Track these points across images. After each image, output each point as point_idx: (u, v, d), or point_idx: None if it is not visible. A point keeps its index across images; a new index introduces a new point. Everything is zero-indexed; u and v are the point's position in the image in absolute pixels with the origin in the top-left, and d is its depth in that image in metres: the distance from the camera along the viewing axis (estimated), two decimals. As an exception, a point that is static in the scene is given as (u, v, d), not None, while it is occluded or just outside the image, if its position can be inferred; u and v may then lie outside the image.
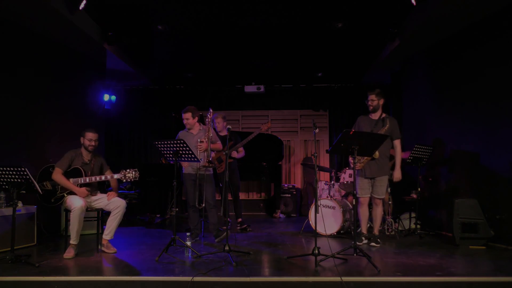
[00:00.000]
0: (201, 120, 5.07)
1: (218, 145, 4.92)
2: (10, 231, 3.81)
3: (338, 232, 5.19)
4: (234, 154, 5.58)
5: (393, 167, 4.74)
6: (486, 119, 4.83)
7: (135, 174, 4.18)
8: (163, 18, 5.44)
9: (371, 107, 4.62)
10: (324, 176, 7.78)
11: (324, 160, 8.41)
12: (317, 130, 3.97)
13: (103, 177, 4.25)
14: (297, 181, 8.53)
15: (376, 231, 4.72)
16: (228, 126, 4.24)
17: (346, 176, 5.65)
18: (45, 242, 4.70)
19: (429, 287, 3.17)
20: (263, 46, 6.41)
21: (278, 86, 8.55)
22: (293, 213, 7.63)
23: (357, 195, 4.61)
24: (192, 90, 8.61)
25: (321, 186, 5.87)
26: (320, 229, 4.78)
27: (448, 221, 4.86)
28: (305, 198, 8.20)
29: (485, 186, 4.82)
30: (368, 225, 5.04)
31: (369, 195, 4.64)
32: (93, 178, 4.23)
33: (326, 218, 5.06)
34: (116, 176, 4.24)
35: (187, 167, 4.86)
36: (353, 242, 3.83)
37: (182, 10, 5.18)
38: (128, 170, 4.18)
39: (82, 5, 4.73)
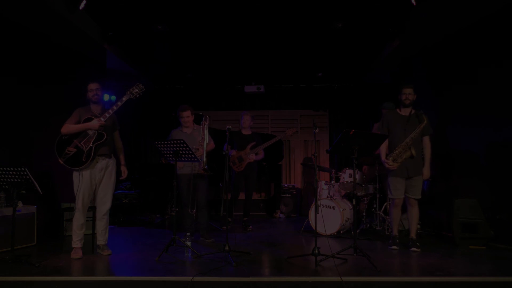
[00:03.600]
0: (196, 120, 5.07)
1: (211, 145, 4.94)
2: (10, 231, 3.81)
3: (338, 232, 5.19)
4: (252, 157, 5.58)
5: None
6: (486, 118, 4.83)
7: (140, 87, 4.09)
8: (163, 18, 5.44)
9: (408, 101, 4.38)
10: (324, 176, 7.78)
11: (324, 160, 8.41)
12: (317, 130, 3.97)
13: (106, 114, 4.01)
14: (297, 181, 8.53)
15: (413, 235, 4.40)
16: (228, 126, 4.25)
17: (346, 176, 5.65)
18: (45, 242, 4.69)
19: (429, 287, 3.17)
20: (263, 46, 6.41)
21: (278, 86, 8.55)
22: (293, 213, 7.62)
23: (392, 196, 4.40)
24: (192, 90, 8.61)
25: (321, 186, 5.87)
26: (320, 229, 4.78)
27: (448, 221, 4.85)
28: (305, 198, 8.19)
29: (485, 186, 4.82)
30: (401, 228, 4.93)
31: (403, 196, 4.41)
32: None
33: (326, 218, 5.06)
34: (124, 98, 4.02)
35: (182, 167, 4.83)
36: (354, 242, 3.82)
37: (182, 10, 5.18)
38: (132, 88, 4.07)
39: (82, 5, 4.73)
